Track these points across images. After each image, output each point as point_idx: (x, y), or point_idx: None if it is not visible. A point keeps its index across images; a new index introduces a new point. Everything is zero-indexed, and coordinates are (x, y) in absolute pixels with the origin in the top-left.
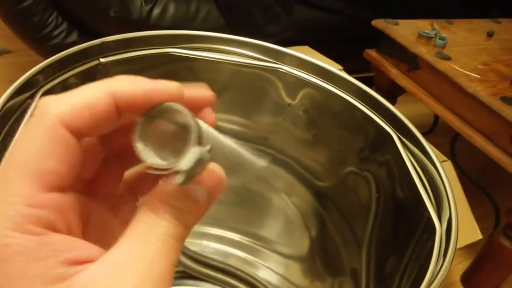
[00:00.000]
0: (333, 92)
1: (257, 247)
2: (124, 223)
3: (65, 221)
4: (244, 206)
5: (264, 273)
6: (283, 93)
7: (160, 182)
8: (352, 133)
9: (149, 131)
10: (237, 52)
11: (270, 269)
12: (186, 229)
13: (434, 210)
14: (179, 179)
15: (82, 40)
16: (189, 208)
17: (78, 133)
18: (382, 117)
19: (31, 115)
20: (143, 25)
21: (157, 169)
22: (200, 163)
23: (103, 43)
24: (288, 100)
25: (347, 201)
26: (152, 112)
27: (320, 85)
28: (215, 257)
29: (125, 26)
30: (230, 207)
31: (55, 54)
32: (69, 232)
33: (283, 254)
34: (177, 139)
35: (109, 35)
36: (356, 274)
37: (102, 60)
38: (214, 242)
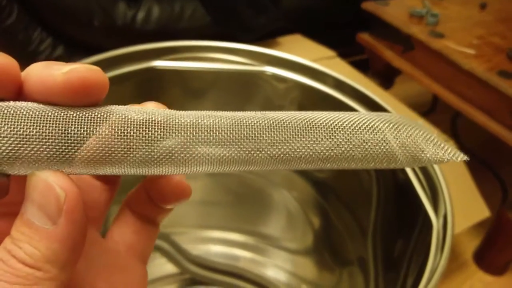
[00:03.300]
0: (319, 89)
1: (262, 245)
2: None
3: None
4: (245, 205)
5: (272, 271)
6: (271, 93)
7: None
8: None
9: None
10: (223, 58)
11: (278, 266)
12: (32, 268)
13: (431, 203)
14: None
15: (68, 54)
16: (26, 238)
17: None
18: (371, 109)
19: None
20: (129, 31)
21: None
22: None
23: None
24: (277, 99)
25: (348, 189)
26: None
27: (307, 83)
28: (221, 260)
29: (110, 34)
30: (231, 208)
31: None
32: None
33: (289, 249)
34: None
35: (95, 45)
36: (364, 263)
37: None
38: (218, 245)
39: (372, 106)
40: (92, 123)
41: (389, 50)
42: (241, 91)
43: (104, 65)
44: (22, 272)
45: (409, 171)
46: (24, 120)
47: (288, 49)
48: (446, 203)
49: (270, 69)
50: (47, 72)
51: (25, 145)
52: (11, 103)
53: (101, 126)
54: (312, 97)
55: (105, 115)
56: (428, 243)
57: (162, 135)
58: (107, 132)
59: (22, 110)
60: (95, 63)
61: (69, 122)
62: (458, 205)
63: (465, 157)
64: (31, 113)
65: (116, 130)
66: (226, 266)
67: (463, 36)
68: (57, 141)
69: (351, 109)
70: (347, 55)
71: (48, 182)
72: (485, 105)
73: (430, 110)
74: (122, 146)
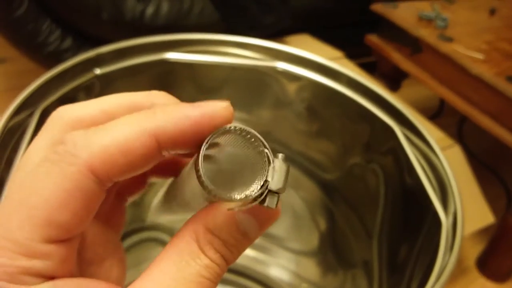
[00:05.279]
0: (332, 87)
1: (266, 244)
2: (116, 226)
3: (67, 267)
4: None
5: (275, 271)
6: (283, 90)
7: (209, 207)
8: (355, 125)
9: (212, 159)
10: (234, 53)
11: (282, 266)
12: (226, 266)
13: (440, 203)
14: (271, 202)
15: (77, 45)
16: (236, 243)
17: (107, 180)
18: (382, 109)
19: (54, 152)
20: (137, 26)
21: (236, 202)
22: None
23: (98, 54)
24: (288, 96)
25: (355, 192)
26: (213, 138)
27: (319, 81)
28: None
29: (119, 28)
30: None
31: (50, 61)
32: (70, 272)
33: (294, 250)
34: (245, 167)
35: (104, 38)
36: (368, 266)
37: (98, 71)
38: None
39: (385, 106)
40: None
41: (397, 53)
42: (252, 87)
43: (117, 55)
44: (223, 270)
45: (419, 170)
46: None
47: None
48: (456, 201)
49: (282, 65)
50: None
51: None
52: None
53: None
54: (323, 95)
55: None
56: (436, 243)
57: None
58: None
59: None
60: (108, 53)
61: None
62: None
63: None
64: None
65: None
66: None
67: (472, 40)
68: None
69: (363, 108)
70: (354, 57)
71: (279, 207)
72: (492, 110)
73: (437, 114)
74: None
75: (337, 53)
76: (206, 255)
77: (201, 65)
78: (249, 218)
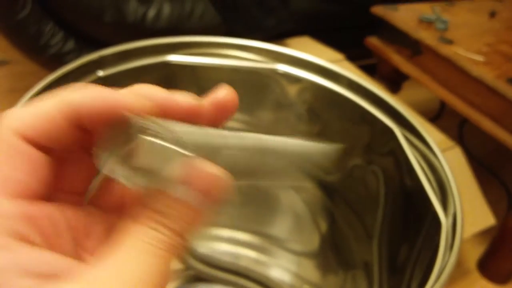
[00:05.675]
0: (332, 89)
1: (267, 246)
2: None
3: (41, 233)
4: (253, 205)
5: (276, 272)
6: (284, 92)
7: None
8: (355, 127)
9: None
10: (236, 55)
11: (282, 267)
12: (179, 237)
13: (440, 204)
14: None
15: (79, 48)
16: (179, 214)
17: (36, 144)
18: (382, 111)
19: None
20: (139, 28)
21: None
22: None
23: (101, 56)
24: (289, 98)
25: (355, 193)
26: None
27: (320, 83)
28: (226, 258)
29: (121, 30)
30: (239, 207)
31: (53, 63)
32: (50, 246)
33: (295, 251)
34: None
35: (106, 41)
36: (368, 267)
37: (101, 73)
38: (224, 243)
39: (385, 108)
40: None
41: (397, 55)
42: (253, 89)
43: (119, 57)
44: (174, 240)
45: (419, 172)
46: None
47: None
48: (456, 202)
49: (283, 67)
50: (194, 102)
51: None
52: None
53: None
54: (324, 97)
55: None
56: (436, 244)
57: None
58: None
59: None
60: (110, 56)
61: None
62: (464, 212)
63: None
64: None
65: None
66: (230, 265)
67: (472, 43)
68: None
69: (363, 110)
70: (354, 59)
71: (216, 169)
72: (493, 112)
73: (437, 116)
74: None
75: (338, 56)
76: (150, 228)
77: (203, 67)
78: (185, 188)
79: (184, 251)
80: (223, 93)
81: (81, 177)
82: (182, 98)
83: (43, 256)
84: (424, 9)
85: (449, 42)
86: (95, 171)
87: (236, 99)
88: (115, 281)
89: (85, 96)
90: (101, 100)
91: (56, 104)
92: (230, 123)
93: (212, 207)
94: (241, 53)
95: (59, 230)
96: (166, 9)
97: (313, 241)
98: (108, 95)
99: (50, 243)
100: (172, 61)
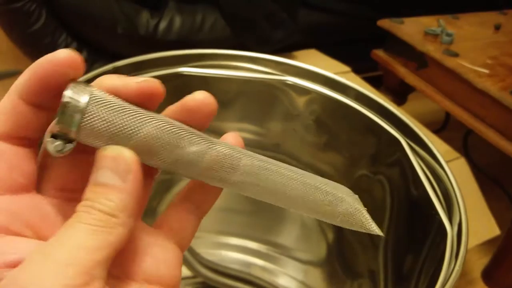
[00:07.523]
0: (340, 100)
1: (275, 254)
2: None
3: (27, 224)
4: (261, 214)
5: (283, 281)
6: (292, 103)
7: None
8: (362, 137)
9: None
10: (246, 67)
11: (290, 276)
12: (109, 215)
13: (445, 213)
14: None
15: (92, 59)
16: (99, 195)
17: (10, 139)
18: (389, 122)
19: None
20: (150, 40)
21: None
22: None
23: (115, 67)
24: (297, 109)
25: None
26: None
27: (328, 94)
28: (235, 266)
29: (133, 42)
30: (247, 216)
31: None
32: (38, 236)
33: (302, 260)
34: None
35: (118, 52)
36: (374, 276)
37: None
38: (232, 251)
39: (392, 119)
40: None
41: (403, 67)
42: (263, 100)
43: (132, 69)
44: (102, 218)
45: (425, 182)
46: (112, 108)
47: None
48: (461, 212)
49: (292, 79)
50: (121, 81)
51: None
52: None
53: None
54: (331, 108)
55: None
56: (441, 253)
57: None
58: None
59: (112, 101)
60: (124, 67)
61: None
62: (468, 222)
63: (380, 234)
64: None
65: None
66: (238, 272)
67: (477, 55)
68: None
69: (370, 121)
70: (360, 71)
71: (119, 150)
72: (497, 124)
73: (442, 127)
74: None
75: (344, 68)
76: (82, 211)
77: (215, 78)
78: (93, 168)
79: (128, 227)
80: (200, 95)
81: (73, 176)
82: (131, 80)
83: (15, 244)
84: (430, 22)
85: (454, 54)
86: (89, 170)
87: (212, 102)
88: (47, 259)
89: (25, 74)
90: (40, 72)
91: (11, 94)
92: (241, 134)
93: (124, 180)
94: (251, 65)
95: (48, 220)
96: (177, 21)
97: (320, 250)
98: (44, 64)
99: (38, 233)
100: (184, 71)
